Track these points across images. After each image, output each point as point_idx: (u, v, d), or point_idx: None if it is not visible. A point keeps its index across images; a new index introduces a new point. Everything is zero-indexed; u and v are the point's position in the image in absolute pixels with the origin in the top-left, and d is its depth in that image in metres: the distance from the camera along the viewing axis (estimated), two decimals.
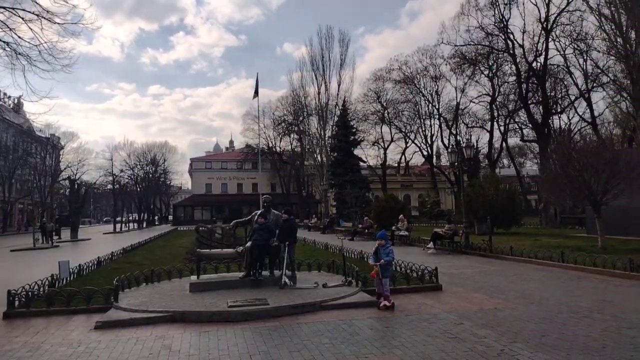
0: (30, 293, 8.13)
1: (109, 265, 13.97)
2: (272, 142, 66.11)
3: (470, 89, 55.08)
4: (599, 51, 33.34)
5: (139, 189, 66.24)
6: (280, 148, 66.79)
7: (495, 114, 48.79)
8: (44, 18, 13.64)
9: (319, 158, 52.76)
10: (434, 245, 17.23)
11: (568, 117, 47.32)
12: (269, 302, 7.69)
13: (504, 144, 52.87)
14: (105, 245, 24.63)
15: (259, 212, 10.06)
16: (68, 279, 10.54)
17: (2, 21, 13.34)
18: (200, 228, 11.12)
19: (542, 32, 37.03)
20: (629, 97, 30.18)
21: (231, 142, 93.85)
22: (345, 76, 54.99)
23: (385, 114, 59.15)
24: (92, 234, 42.47)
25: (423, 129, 59.20)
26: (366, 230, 25.40)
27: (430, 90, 56.68)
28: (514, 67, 40.87)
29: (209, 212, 69.59)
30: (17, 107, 59.22)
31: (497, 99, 47.20)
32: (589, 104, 39.76)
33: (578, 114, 43.38)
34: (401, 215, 23.17)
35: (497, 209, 23.35)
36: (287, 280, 9.12)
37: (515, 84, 41.62)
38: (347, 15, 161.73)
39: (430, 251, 17.03)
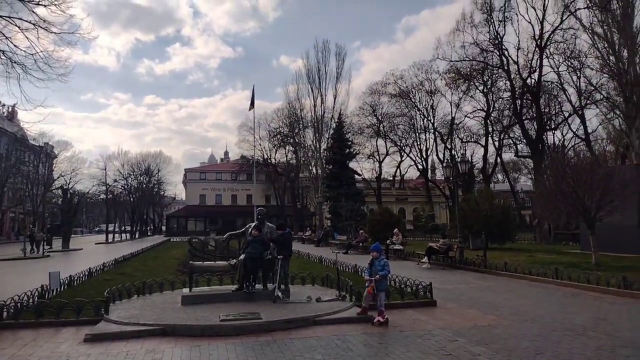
0: (19, 304, 8.01)
1: (100, 276, 13.83)
2: (267, 154, 66.12)
3: (465, 104, 55.56)
4: (592, 69, 33.69)
5: (132, 199, 65.78)
6: (275, 160, 66.74)
7: (490, 129, 49.26)
8: (41, 27, 13.69)
9: (314, 170, 52.64)
10: (429, 260, 17.19)
11: (562, 133, 48.11)
12: (262, 317, 7.62)
13: (498, 159, 53.35)
14: (97, 256, 24.40)
15: (253, 224, 10.00)
16: (58, 289, 10.42)
17: None
18: (193, 240, 11.04)
19: (536, 49, 37.46)
20: (621, 115, 30.47)
21: (226, 153, 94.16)
22: (341, 89, 55.12)
23: (381, 128, 59.57)
24: (84, 243, 42.01)
25: (418, 142, 59.79)
26: (361, 244, 25.32)
27: (425, 105, 57.30)
28: (508, 83, 41.28)
29: (203, 224, 69.24)
30: (11, 116, 59.06)
31: (492, 114, 47.68)
32: (583, 121, 40.35)
33: (572, 131, 44.08)
34: (396, 229, 23.15)
35: (491, 224, 23.40)
36: (280, 294, 9.06)
37: (510, 99, 41.99)
38: (343, 29, 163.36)
39: (425, 266, 16.99)
